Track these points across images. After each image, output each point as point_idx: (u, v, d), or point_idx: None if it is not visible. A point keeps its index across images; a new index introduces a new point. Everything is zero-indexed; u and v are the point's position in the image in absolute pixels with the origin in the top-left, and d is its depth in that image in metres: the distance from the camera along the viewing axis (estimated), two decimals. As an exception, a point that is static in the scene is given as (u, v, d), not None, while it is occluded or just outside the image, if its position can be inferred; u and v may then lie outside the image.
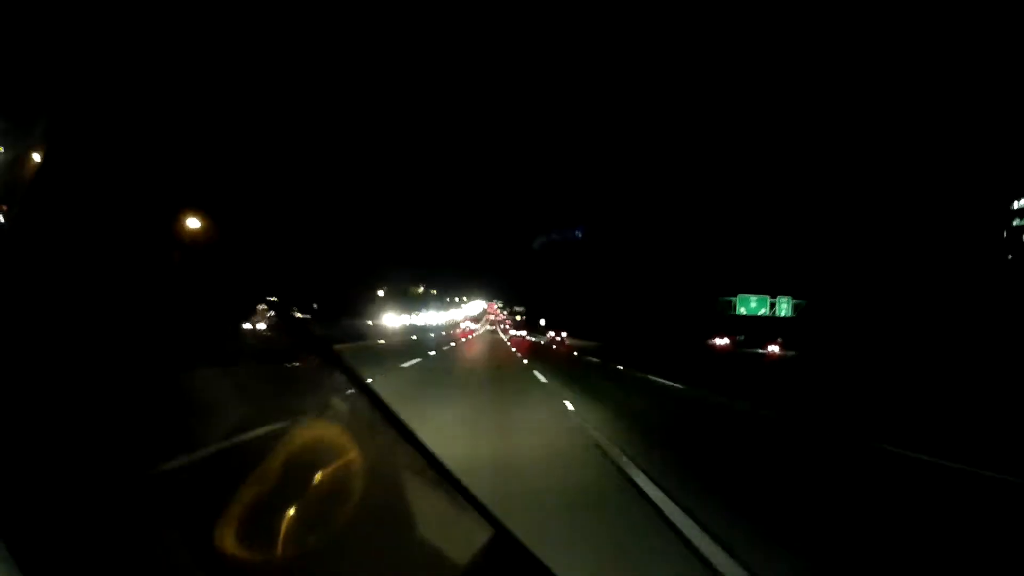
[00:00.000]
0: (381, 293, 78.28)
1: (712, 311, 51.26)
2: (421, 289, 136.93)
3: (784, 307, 48.09)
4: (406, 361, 16.70)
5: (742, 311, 48.93)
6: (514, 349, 34.44)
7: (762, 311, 48.54)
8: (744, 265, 57.77)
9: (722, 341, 54.70)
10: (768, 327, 49.74)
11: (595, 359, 29.49)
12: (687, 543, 3.35)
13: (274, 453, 1.27)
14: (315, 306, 44.97)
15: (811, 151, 64.24)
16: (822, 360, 35.38)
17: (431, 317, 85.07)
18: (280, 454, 1.28)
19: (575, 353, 36.21)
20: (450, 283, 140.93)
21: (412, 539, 1.33)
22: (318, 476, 1.30)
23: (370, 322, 42.36)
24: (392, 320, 48.30)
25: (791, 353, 45.30)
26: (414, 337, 37.96)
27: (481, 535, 1.24)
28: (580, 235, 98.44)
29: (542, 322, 75.67)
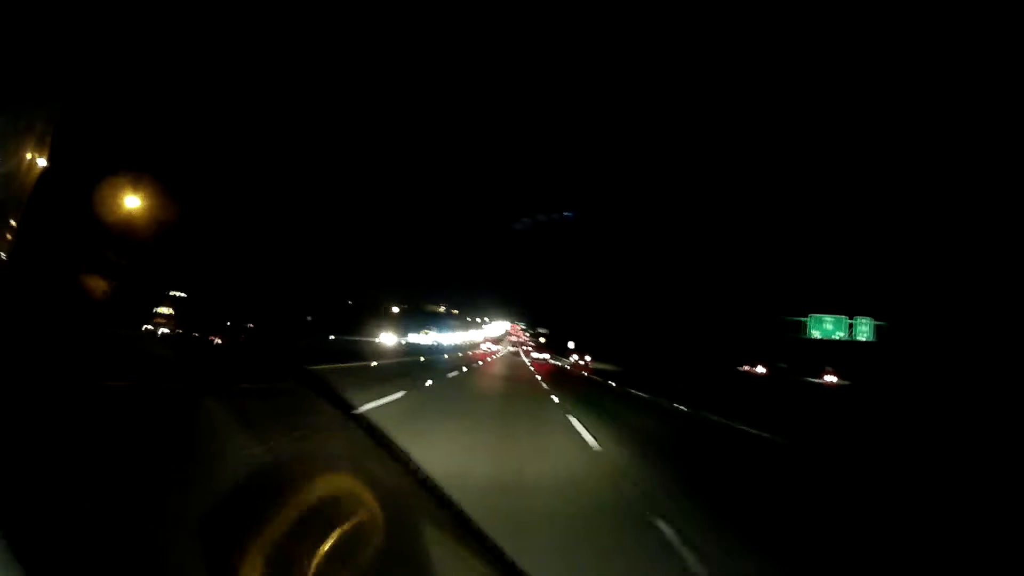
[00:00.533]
0: (396, 309, 75.54)
1: (778, 334, 43.61)
2: (442, 308, 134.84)
3: (864, 329, 39.40)
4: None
5: (815, 334, 40.52)
6: (537, 376, 31.14)
7: (839, 334, 40.13)
8: (815, 280, 48.96)
9: (760, 369, 49.64)
10: (816, 353, 42.63)
11: (625, 387, 27.05)
12: None
13: (290, 504, 1.26)
14: (309, 318, 41.93)
15: (887, 138, 55.59)
16: (885, 392, 30.48)
17: (446, 336, 79.80)
18: (297, 505, 1.26)
19: (600, 379, 34.06)
20: (474, 304, 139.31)
21: None
22: (335, 533, 1.27)
23: (346, 338, 36.62)
24: (388, 338, 43.05)
25: (845, 383, 39.83)
26: (404, 359, 31.03)
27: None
28: (571, 216, 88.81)
29: (570, 344, 69.91)
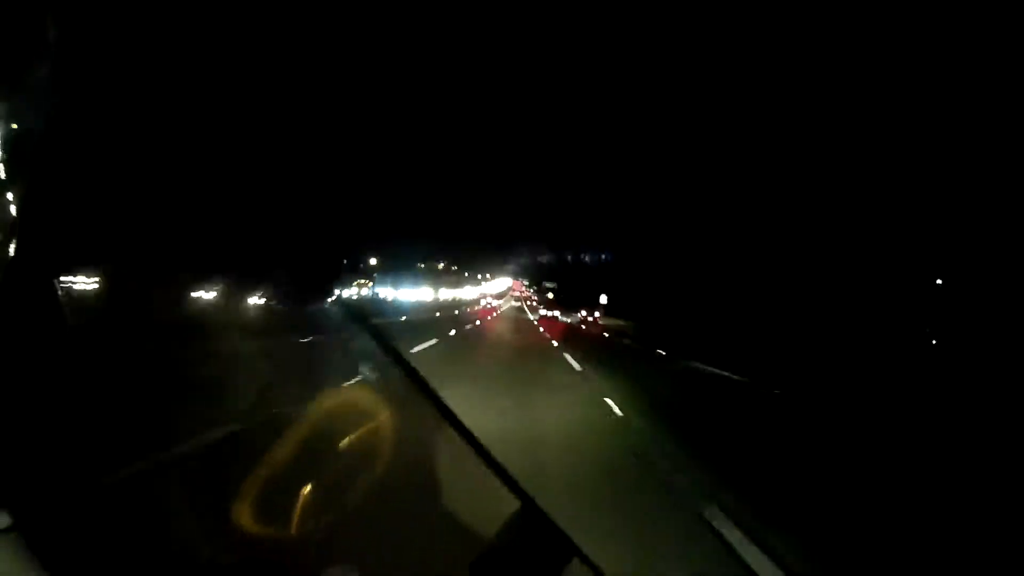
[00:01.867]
0: (374, 261, 66.75)
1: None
2: (441, 265, 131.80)
3: None
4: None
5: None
6: (547, 335, 25.96)
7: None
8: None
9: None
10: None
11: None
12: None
13: (304, 418, 1.43)
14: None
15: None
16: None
17: (413, 292, 65.88)
18: (311, 418, 1.46)
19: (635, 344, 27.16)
20: (475, 261, 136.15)
21: (437, 509, 1.50)
22: (345, 440, 1.34)
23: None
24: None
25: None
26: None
27: (508, 506, 1.25)
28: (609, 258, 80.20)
29: (603, 299, 59.14)
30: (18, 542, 0.95)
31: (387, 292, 58.18)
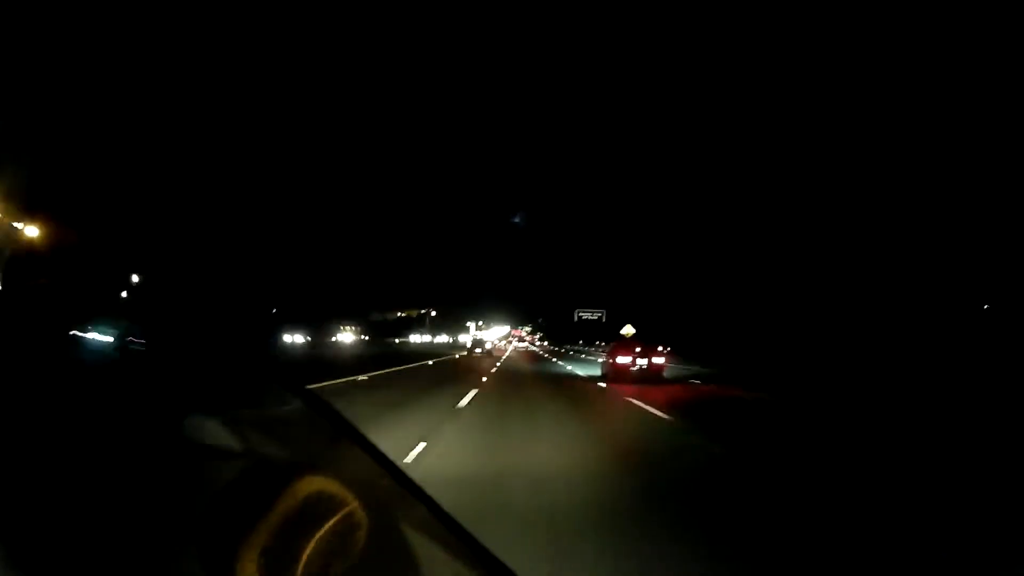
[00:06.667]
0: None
1: None
2: (419, 312, 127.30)
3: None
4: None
5: None
6: None
7: None
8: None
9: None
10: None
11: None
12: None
13: (277, 505, 1.28)
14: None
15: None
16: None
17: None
18: (284, 506, 1.29)
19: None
20: (480, 311, 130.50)
21: None
22: (321, 531, 1.29)
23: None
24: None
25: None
26: None
27: None
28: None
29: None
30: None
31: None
